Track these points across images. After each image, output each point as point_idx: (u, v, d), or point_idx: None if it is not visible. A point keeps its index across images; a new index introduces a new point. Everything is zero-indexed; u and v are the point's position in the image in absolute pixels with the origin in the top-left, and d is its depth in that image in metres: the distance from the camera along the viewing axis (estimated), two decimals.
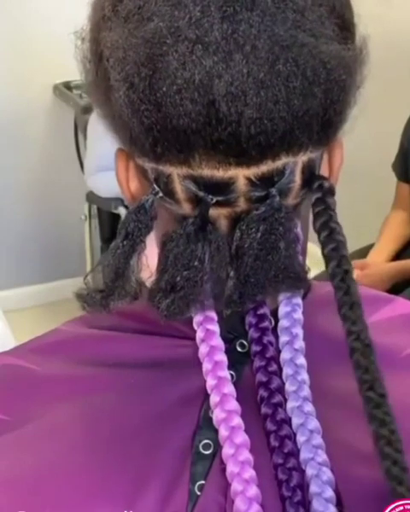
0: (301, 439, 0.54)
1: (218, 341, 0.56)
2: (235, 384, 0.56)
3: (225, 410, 0.54)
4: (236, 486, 0.52)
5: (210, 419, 0.55)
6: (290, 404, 0.55)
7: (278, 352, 0.57)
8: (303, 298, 0.59)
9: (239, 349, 0.58)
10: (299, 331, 0.57)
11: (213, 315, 0.57)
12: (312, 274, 0.57)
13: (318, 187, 0.53)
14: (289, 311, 0.58)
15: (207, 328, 0.56)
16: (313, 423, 0.54)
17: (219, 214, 0.52)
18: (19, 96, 2.88)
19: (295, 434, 0.55)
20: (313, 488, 0.53)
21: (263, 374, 0.56)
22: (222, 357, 0.56)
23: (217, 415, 0.54)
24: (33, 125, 2.94)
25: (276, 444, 0.54)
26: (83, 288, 0.55)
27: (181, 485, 0.54)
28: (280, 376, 0.56)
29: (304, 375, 0.56)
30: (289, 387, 0.55)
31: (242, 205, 0.52)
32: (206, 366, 0.56)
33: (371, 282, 2.00)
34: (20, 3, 2.78)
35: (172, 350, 0.59)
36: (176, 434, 0.56)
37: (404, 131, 2.18)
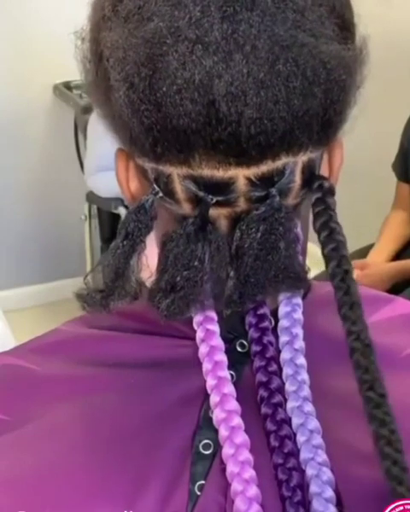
0: (301, 439, 0.54)
1: (218, 341, 0.56)
2: (235, 384, 0.56)
3: (225, 410, 0.54)
4: (236, 486, 0.52)
5: (210, 419, 0.55)
6: (290, 404, 0.55)
7: (278, 351, 0.57)
8: (303, 298, 0.59)
9: (239, 349, 0.58)
10: (299, 331, 0.57)
11: (213, 315, 0.57)
12: (312, 274, 0.57)
13: (318, 187, 0.53)
14: (290, 311, 0.58)
15: (207, 328, 0.56)
16: (313, 423, 0.54)
17: (218, 214, 0.52)
18: (19, 96, 2.88)
19: (295, 434, 0.55)
20: (313, 488, 0.53)
21: (263, 374, 0.56)
22: (222, 357, 0.56)
23: (217, 415, 0.54)
24: (33, 125, 2.94)
25: (276, 444, 0.54)
26: (83, 288, 0.55)
27: (181, 485, 0.54)
28: (280, 376, 0.56)
29: (304, 375, 0.56)
30: (289, 387, 0.55)
31: (242, 205, 0.52)
32: (206, 366, 0.56)
33: (371, 282, 2.00)
34: (20, 3, 2.78)
35: (172, 350, 0.59)
36: (176, 434, 0.56)
37: (404, 131, 2.18)
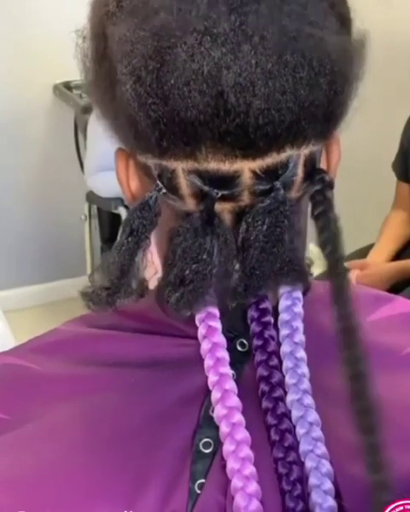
0: (300, 431, 0.54)
1: (220, 338, 0.56)
2: (235, 382, 0.56)
3: (227, 406, 0.54)
4: (236, 483, 0.52)
5: (210, 418, 0.55)
6: (290, 397, 0.55)
7: (279, 346, 0.57)
8: (303, 295, 0.60)
9: (239, 348, 0.58)
10: (299, 324, 0.57)
11: (216, 311, 0.57)
12: (315, 273, 0.57)
13: (319, 180, 0.54)
14: (290, 304, 0.58)
15: (209, 325, 0.57)
16: (313, 416, 0.55)
17: (222, 209, 0.52)
18: (19, 96, 2.89)
19: (294, 427, 0.55)
20: (313, 480, 0.53)
21: (264, 368, 0.56)
22: (224, 354, 0.56)
23: (218, 411, 0.54)
24: (33, 125, 2.94)
25: (276, 438, 0.54)
26: (88, 287, 0.55)
27: (181, 483, 0.54)
28: (281, 370, 0.56)
29: (304, 368, 0.56)
30: (289, 380, 0.56)
31: (246, 199, 0.52)
32: (208, 362, 0.56)
33: (372, 281, 2.00)
34: (20, 3, 2.78)
35: (172, 349, 0.59)
36: (176, 434, 0.56)
37: (404, 131, 2.18)
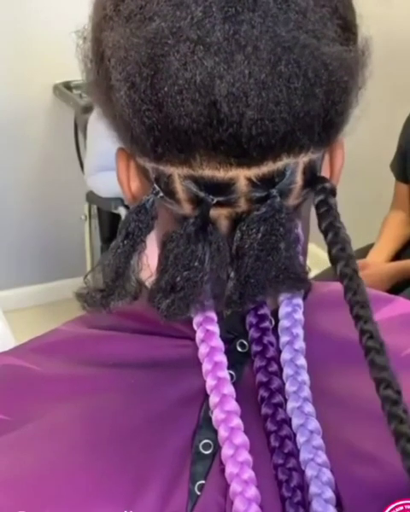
0: (301, 439, 0.54)
1: (217, 342, 0.56)
2: (235, 384, 0.56)
3: (225, 410, 0.54)
4: (235, 487, 0.52)
5: (210, 419, 0.55)
6: (291, 405, 0.55)
7: (279, 352, 0.57)
8: (304, 298, 0.59)
9: (239, 349, 0.58)
10: (299, 331, 0.57)
11: (213, 315, 0.57)
12: (312, 274, 0.57)
13: (321, 189, 0.53)
14: (290, 311, 0.58)
15: (206, 329, 0.56)
16: (313, 424, 0.54)
17: (219, 214, 0.52)
18: (19, 96, 2.88)
19: (295, 435, 0.54)
20: (313, 489, 0.53)
21: (263, 374, 0.56)
22: (222, 358, 0.56)
23: (216, 415, 0.54)
24: (33, 125, 2.93)
25: (276, 444, 0.54)
26: (83, 288, 0.55)
27: (181, 484, 0.54)
28: (280, 377, 0.56)
29: (304, 376, 0.56)
30: (289, 388, 0.55)
31: (242, 205, 0.52)
32: (205, 366, 0.56)
33: (371, 282, 2.00)
34: (20, 3, 2.78)
35: (172, 350, 0.59)
36: (176, 434, 0.56)
37: (402, 131, 2.18)
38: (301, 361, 0.56)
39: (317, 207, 0.54)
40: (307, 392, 0.55)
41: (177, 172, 0.51)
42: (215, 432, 0.54)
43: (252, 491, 0.52)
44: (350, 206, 2.27)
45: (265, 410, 0.55)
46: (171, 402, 0.57)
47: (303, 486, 0.53)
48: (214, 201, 0.51)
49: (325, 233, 0.53)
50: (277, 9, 0.48)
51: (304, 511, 0.52)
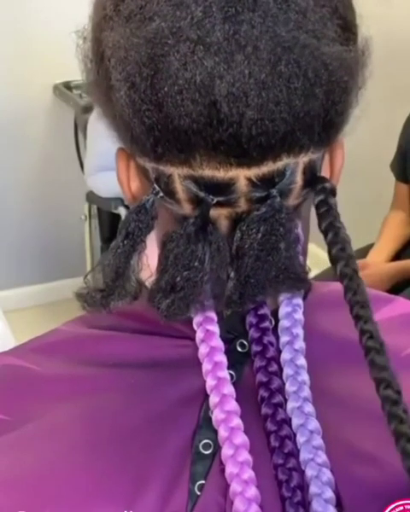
0: (301, 439, 0.54)
1: (217, 342, 0.56)
2: (235, 384, 0.56)
3: (225, 410, 0.54)
4: (235, 487, 0.52)
5: (210, 419, 0.55)
6: (291, 405, 0.55)
7: (279, 352, 0.57)
8: (304, 298, 0.59)
9: (239, 349, 0.58)
10: (299, 331, 0.57)
11: (213, 315, 0.57)
12: (312, 274, 0.57)
13: (321, 189, 0.53)
14: (290, 311, 0.58)
15: (206, 329, 0.56)
16: (313, 424, 0.54)
17: (219, 214, 0.52)
18: (19, 96, 2.88)
19: (295, 435, 0.54)
20: (313, 489, 0.53)
21: (263, 374, 0.56)
22: (222, 358, 0.56)
23: (216, 415, 0.54)
24: (33, 125, 2.93)
25: (276, 444, 0.54)
26: (83, 288, 0.55)
27: (181, 484, 0.54)
28: (280, 377, 0.56)
29: (304, 376, 0.56)
30: (289, 388, 0.55)
31: (242, 205, 0.52)
32: (205, 367, 0.56)
33: (371, 282, 2.00)
34: (20, 3, 2.78)
35: (172, 350, 0.59)
36: (176, 434, 0.56)
37: (402, 131, 2.18)
38: (301, 361, 0.56)
39: (317, 207, 0.54)
40: (307, 392, 0.55)
41: (177, 172, 0.51)
42: (215, 432, 0.54)
43: (252, 491, 0.52)
44: (350, 206, 2.27)
45: (265, 409, 0.55)
46: (171, 402, 0.57)
47: (303, 486, 0.53)
48: (214, 201, 0.51)
49: (324, 233, 0.53)
50: (277, 9, 0.48)
51: (304, 511, 0.52)
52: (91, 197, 2.72)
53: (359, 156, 2.09)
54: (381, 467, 0.54)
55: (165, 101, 0.48)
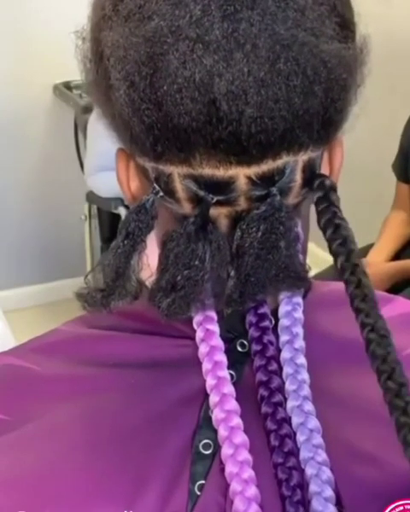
0: (300, 438, 0.54)
1: (217, 341, 0.56)
2: (235, 384, 0.56)
3: (225, 410, 0.54)
4: (235, 486, 0.52)
5: (210, 419, 0.55)
6: (290, 404, 0.55)
7: (279, 351, 0.57)
8: (304, 297, 0.59)
9: (239, 349, 0.58)
10: (299, 330, 0.57)
11: (213, 315, 0.57)
12: (311, 273, 0.57)
13: (319, 185, 0.53)
14: (290, 310, 0.58)
15: (207, 328, 0.56)
16: (313, 422, 0.54)
17: (219, 213, 0.52)
18: (19, 96, 2.88)
19: (295, 433, 0.54)
20: (313, 487, 0.53)
21: (263, 373, 0.56)
22: (222, 357, 0.56)
23: (216, 415, 0.54)
24: (33, 125, 2.93)
25: (276, 443, 0.54)
26: (83, 288, 0.55)
27: (181, 484, 0.54)
28: (280, 375, 0.56)
29: (304, 375, 0.56)
30: (289, 386, 0.55)
31: (242, 204, 0.52)
32: (206, 366, 0.56)
33: (371, 281, 1.99)
34: (20, 3, 2.78)
35: (172, 350, 0.59)
36: (176, 434, 0.56)
37: (404, 131, 2.18)
38: (301, 360, 0.56)
39: (316, 204, 0.54)
40: (306, 390, 0.55)
41: (176, 171, 0.51)
42: (215, 432, 0.54)
43: (252, 491, 0.52)
44: (350, 206, 2.26)
45: (265, 408, 0.55)
46: (171, 402, 0.57)
47: (303, 485, 0.53)
48: (214, 200, 0.51)
49: (323, 229, 0.53)
50: (275, 7, 0.48)
51: (304, 510, 0.52)
52: (91, 197, 2.72)
53: (359, 156, 2.09)
54: (381, 467, 0.54)
55: (164, 99, 0.48)
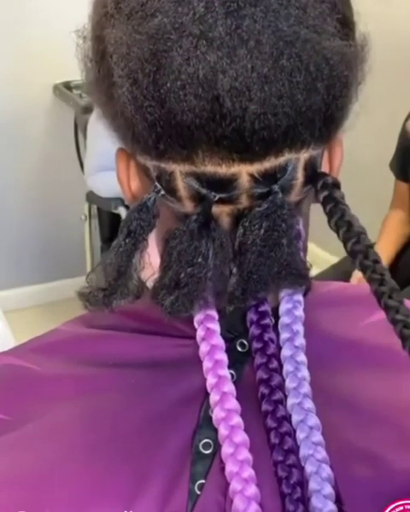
0: (300, 435, 0.54)
1: (218, 340, 0.56)
2: (235, 383, 0.56)
3: (225, 408, 0.54)
4: (235, 485, 0.52)
5: (210, 418, 0.55)
6: (290, 401, 0.55)
7: (279, 349, 0.57)
8: (304, 296, 0.59)
9: (239, 348, 0.58)
10: (300, 328, 0.57)
11: (214, 313, 0.57)
12: (312, 273, 0.57)
13: (322, 185, 0.53)
14: (291, 308, 0.58)
15: (207, 327, 0.56)
16: (313, 420, 0.54)
17: (220, 211, 0.52)
18: (19, 96, 2.89)
19: (294, 431, 0.55)
20: (313, 485, 0.53)
21: (264, 371, 0.56)
22: (222, 356, 0.56)
23: (216, 414, 0.54)
24: (33, 125, 2.94)
25: (276, 441, 0.54)
26: (85, 287, 0.55)
27: (181, 484, 0.54)
28: (281, 373, 0.56)
29: (304, 372, 0.56)
30: (289, 384, 0.55)
31: (244, 202, 0.52)
32: (206, 365, 0.56)
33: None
34: (20, 3, 2.78)
35: (172, 349, 0.59)
36: (176, 434, 0.56)
37: (402, 131, 2.18)
38: (302, 357, 0.56)
39: (323, 204, 0.54)
40: (306, 388, 0.55)
41: (179, 169, 0.51)
42: (215, 431, 0.54)
43: (252, 490, 0.52)
44: (350, 205, 2.27)
45: (265, 406, 0.55)
46: (171, 402, 0.57)
47: (303, 483, 0.53)
48: (216, 198, 0.51)
49: (336, 230, 0.52)
50: (278, 5, 0.48)
51: (304, 507, 0.52)
52: (91, 197, 2.72)
53: (359, 156, 2.09)
54: (381, 466, 0.54)
55: (167, 96, 0.48)
